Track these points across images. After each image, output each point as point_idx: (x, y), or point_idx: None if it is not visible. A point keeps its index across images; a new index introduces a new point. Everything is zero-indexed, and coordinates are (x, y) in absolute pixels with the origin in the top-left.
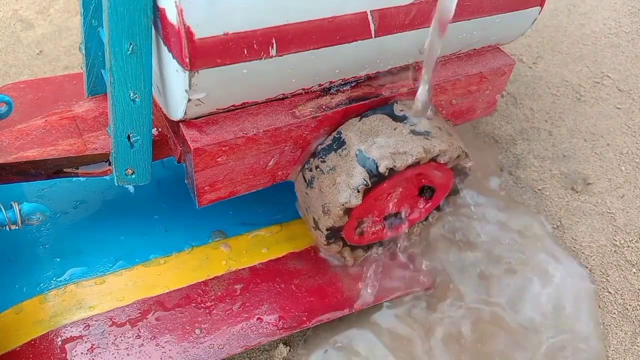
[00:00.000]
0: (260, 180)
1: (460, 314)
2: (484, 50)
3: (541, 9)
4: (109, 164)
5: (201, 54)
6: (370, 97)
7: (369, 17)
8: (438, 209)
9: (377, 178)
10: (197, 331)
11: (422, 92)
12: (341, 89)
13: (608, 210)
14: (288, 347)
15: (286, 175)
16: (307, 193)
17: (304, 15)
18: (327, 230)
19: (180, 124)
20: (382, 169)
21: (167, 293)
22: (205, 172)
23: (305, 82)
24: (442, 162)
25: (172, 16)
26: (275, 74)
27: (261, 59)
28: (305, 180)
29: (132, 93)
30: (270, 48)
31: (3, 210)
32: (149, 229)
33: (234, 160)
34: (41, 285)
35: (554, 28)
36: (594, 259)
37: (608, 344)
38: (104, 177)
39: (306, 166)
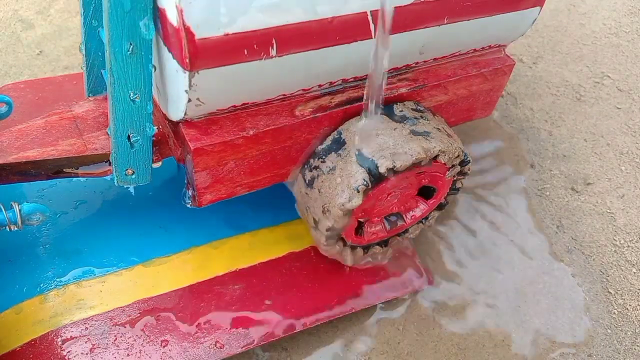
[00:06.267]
0: (260, 181)
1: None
2: (484, 51)
3: (541, 9)
4: (109, 164)
5: (201, 55)
6: None
7: (369, 18)
8: (439, 208)
9: (377, 178)
10: (197, 332)
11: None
12: (341, 90)
13: (608, 210)
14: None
15: (286, 175)
16: (306, 193)
17: (304, 16)
18: (327, 230)
19: (180, 124)
20: (382, 169)
21: (167, 293)
22: (205, 172)
23: (305, 82)
24: (442, 162)
25: (172, 16)
26: (275, 74)
27: (261, 59)
28: (305, 181)
29: (132, 93)
30: (270, 48)
31: (3, 210)
32: (149, 229)
33: (234, 160)
34: (41, 285)
35: (554, 28)
36: (594, 259)
37: (608, 343)
38: (104, 177)
39: (306, 166)
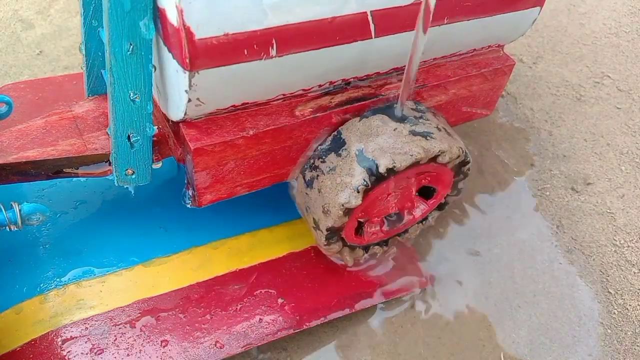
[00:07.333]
0: (260, 181)
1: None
2: (484, 51)
3: (541, 9)
4: (109, 164)
5: (201, 55)
6: (370, 98)
7: (369, 18)
8: (439, 208)
9: (377, 178)
10: (197, 332)
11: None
12: (341, 90)
13: (608, 210)
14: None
15: (286, 175)
16: (307, 193)
17: (304, 16)
18: (327, 230)
19: (180, 124)
20: (382, 169)
21: (167, 293)
22: (205, 172)
23: (305, 82)
24: (442, 162)
25: (172, 16)
26: (275, 74)
27: (261, 59)
28: (305, 181)
29: (132, 93)
30: (270, 48)
31: (3, 210)
32: (149, 229)
33: (234, 160)
34: (41, 285)
35: (554, 28)
36: (594, 259)
37: (608, 343)
38: (104, 177)
39: (306, 166)
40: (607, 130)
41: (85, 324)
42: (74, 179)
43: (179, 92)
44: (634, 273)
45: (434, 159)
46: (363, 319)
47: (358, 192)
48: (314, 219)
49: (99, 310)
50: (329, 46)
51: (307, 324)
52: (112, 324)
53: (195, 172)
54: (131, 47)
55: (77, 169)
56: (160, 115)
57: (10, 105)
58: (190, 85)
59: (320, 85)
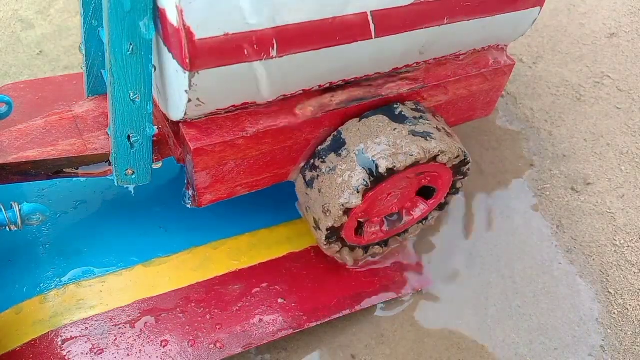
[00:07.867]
0: (261, 181)
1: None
2: (484, 51)
3: (541, 9)
4: (109, 164)
5: (201, 55)
6: (370, 98)
7: (369, 18)
8: (439, 208)
9: (376, 178)
10: (197, 332)
11: None
12: (341, 90)
13: (608, 210)
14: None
15: (286, 175)
16: (307, 193)
17: (304, 16)
18: (327, 230)
19: (180, 124)
20: (382, 169)
21: (167, 293)
22: (205, 173)
23: (305, 82)
24: (442, 162)
25: (172, 17)
26: (275, 74)
27: (261, 59)
28: (305, 181)
29: (132, 93)
30: (270, 49)
31: (3, 210)
32: (149, 229)
33: (234, 160)
34: (41, 285)
35: (554, 28)
36: (594, 259)
37: (608, 343)
38: (104, 177)
39: (306, 166)
40: (607, 130)
41: (85, 324)
42: (74, 179)
43: (179, 92)
44: (634, 273)
45: (433, 158)
46: (363, 319)
47: (358, 192)
48: (314, 218)
49: (99, 310)
50: (329, 46)
51: (307, 324)
52: (112, 324)
53: (195, 172)
54: (131, 47)
55: (77, 169)
56: (160, 115)
57: (10, 105)
58: (190, 86)
59: (320, 85)
